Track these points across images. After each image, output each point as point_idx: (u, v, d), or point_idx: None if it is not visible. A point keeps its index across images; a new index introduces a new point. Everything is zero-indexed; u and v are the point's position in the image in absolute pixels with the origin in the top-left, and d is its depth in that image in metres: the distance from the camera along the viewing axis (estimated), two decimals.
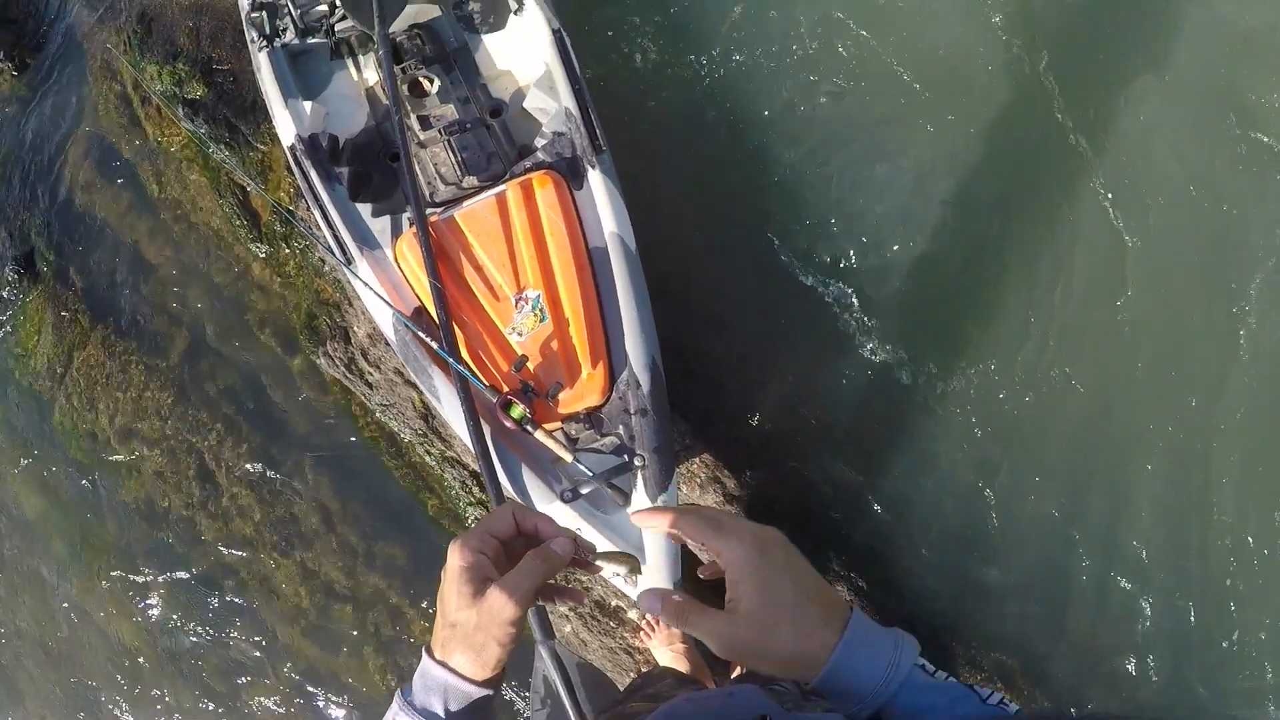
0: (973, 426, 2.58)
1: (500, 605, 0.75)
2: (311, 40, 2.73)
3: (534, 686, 2.21)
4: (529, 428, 2.00)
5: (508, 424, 2.00)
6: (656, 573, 1.96)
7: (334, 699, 2.86)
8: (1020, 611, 2.51)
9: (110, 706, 3.21)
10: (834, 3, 3.08)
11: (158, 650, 3.12)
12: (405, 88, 2.55)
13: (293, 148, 2.49)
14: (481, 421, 2.04)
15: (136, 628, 3.15)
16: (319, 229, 2.48)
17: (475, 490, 2.62)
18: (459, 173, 2.37)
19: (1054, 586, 2.50)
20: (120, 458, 3.21)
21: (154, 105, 3.42)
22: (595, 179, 2.25)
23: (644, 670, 2.39)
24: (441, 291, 2.13)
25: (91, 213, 3.51)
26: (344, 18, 2.68)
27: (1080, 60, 2.93)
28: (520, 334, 2.12)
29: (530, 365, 2.09)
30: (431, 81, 2.56)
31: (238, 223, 3.12)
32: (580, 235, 2.19)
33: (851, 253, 2.76)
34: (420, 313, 2.22)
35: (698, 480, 2.45)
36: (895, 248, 2.76)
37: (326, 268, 2.93)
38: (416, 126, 2.47)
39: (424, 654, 0.80)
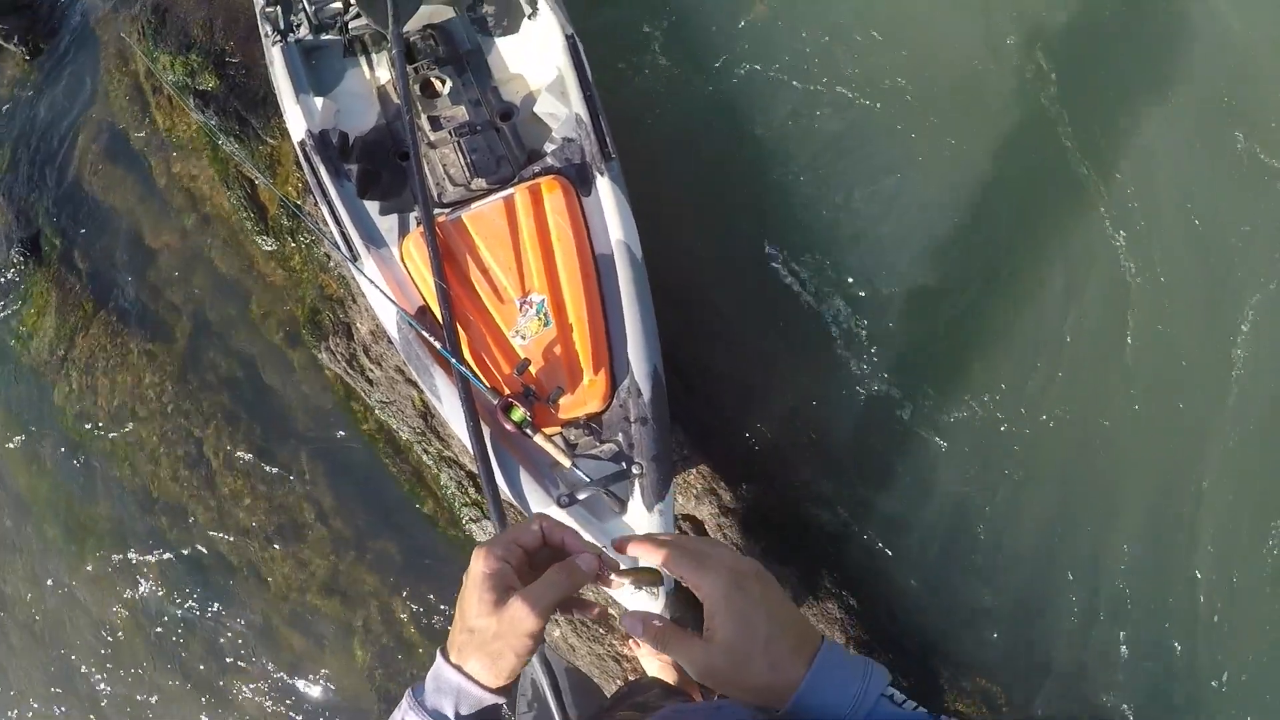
0: (968, 452, 2.60)
1: (522, 616, 0.75)
2: (325, 37, 2.74)
3: (521, 689, 2.21)
4: (529, 431, 2.00)
5: (508, 426, 2.01)
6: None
7: (318, 691, 2.86)
8: (1007, 637, 2.52)
9: (93, 686, 3.20)
10: (842, 18, 3.11)
11: (143, 633, 3.12)
12: (417, 88, 2.56)
13: (303, 143, 2.50)
14: (481, 423, 2.05)
15: (123, 609, 3.15)
16: (326, 224, 2.49)
17: (471, 491, 2.63)
18: (468, 174, 2.38)
19: (1041, 615, 2.52)
20: (117, 441, 3.21)
21: (165, 95, 3.43)
22: (604, 186, 2.26)
23: (631, 678, 2.39)
24: (446, 291, 2.14)
25: (99, 198, 3.52)
26: (358, 15, 2.70)
27: (1088, 87, 2.95)
28: (524, 337, 2.13)
29: (532, 369, 2.09)
30: (443, 82, 2.57)
31: (245, 215, 3.13)
32: (587, 241, 2.20)
33: (854, 273, 2.78)
34: (424, 312, 2.23)
35: (694, 491, 2.45)
36: (898, 270, 2.78)
37: (331, 263, 2.94)
38: (427, 127, 2.48)
39: (439, 655, 0.81)
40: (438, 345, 2.08)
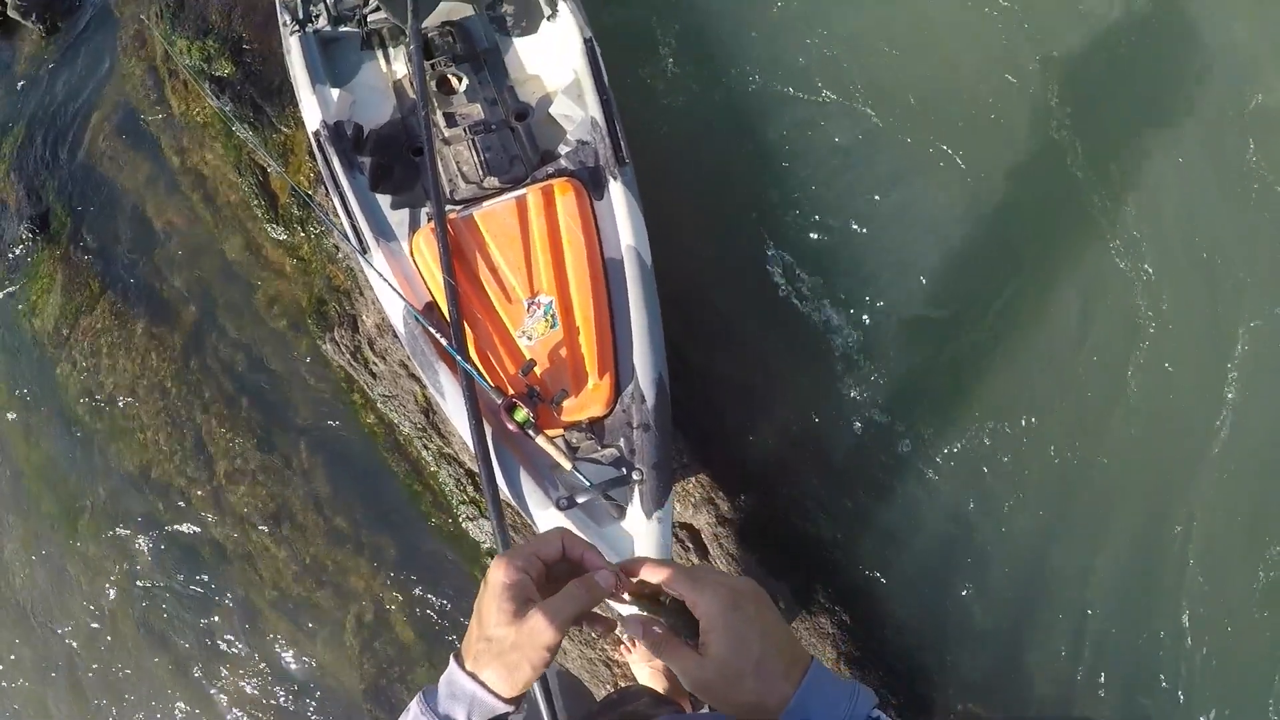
0: (964, 474, 2.61)
1: (541, 628, 0.76)
2: (343, 28, 2.74)
3: None
4: (531, 432, 2.00)
5: (510, 426, 2.01)
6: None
7: (304, 681, 2.86)
8: (996, 660, 2.52)
9: (76, 661, 3.19)
10: (856, 30, 3.12)
11: (131, 612, 3.11)
12: (434, 84, 2.56)
13: (317, 133, 2.50)
14: (484, 422, 2.05)
15: (113, 588, 3.15)
16: (336, 216, 2.49)
17: (469, 489, 2.63)
18: (481, 172, 2.38)
19: (1031, 639, 2.53)
20: (117, 420, 3.21)
21: (181, 79, 3.43)
22: (616, 191, 2.26)
23: (621, 684, 2.39)
24: (455, 289, 2.14)
25: (110, 179, 3.52)
26: (377, 9, 2.70)
27: (1100, 113, 2.96)
28: (530, 338, 2.13)
29: (537, 370, 2.09)
30: (460, 80, 2.58)
31: (255, 202, 3.13)
32: (597, 245, 2.20)
33: (858, 288, 2.79)
34: (431, 308, 2.23)
35: (692, 500, 2.45)
36: (901, 287, 2.79)
37: (340, 255, 2.94)
38: (442, 123, 2.48)
39: (452, 662, 0.81)
40: (444, 342, 2.08)
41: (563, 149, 2.38)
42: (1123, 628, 2.50)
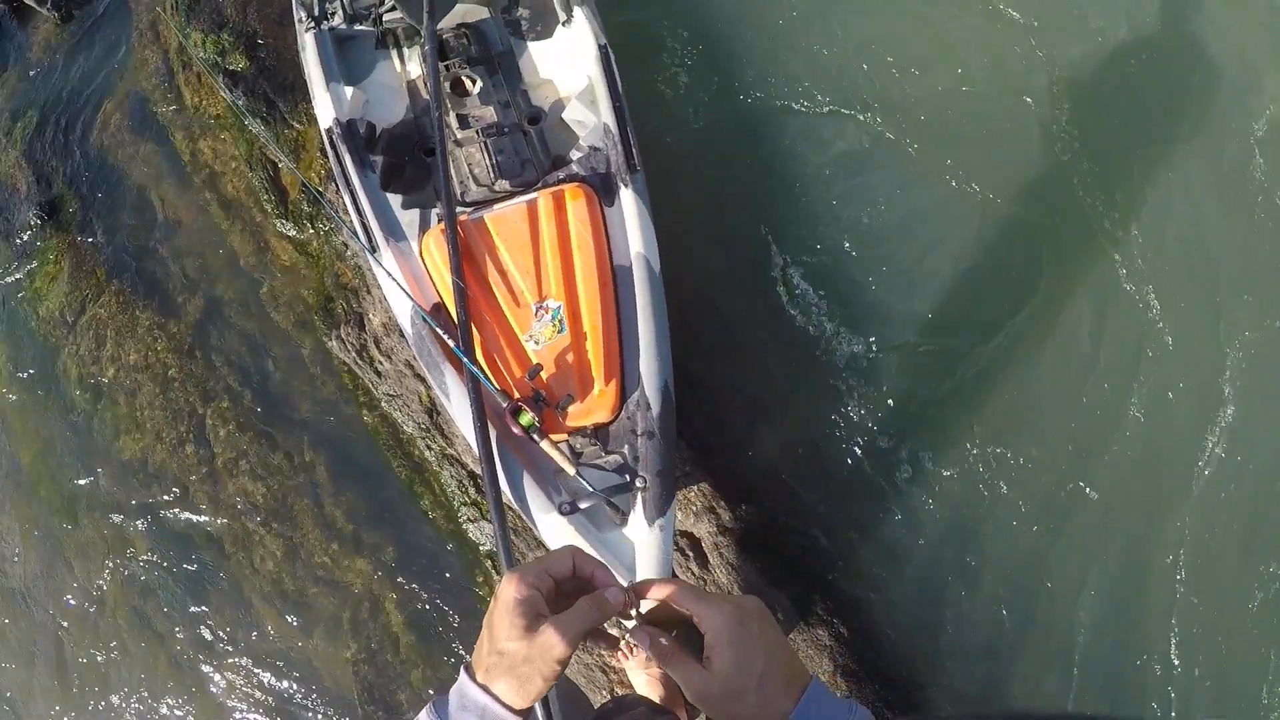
0: (963, 492, 2.61)
1: (553, 643, 0.78)
2: (358, 27, 2.75)
3: None
4: (535, 436, 2.00)
5: (515, 430, 2.01)
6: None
7: (298, 677, 2.85)
8: (992, 675, 2.52)
9: (66, 648, 3.19)
10: (867, 42, 3.13)
11: (125, 602, 3.11)
12: (447, 85, 2.57)
13: (330, 130, 2.50)
14: (488, 424, 2.05)
15: (108, 576, 3.15)
16: (347, 214, 2.49)
17: (471, 490, 2.63)
18: (492, 175, 2.39)
19: (1026, 656, 2.52)
20: (120, 410, 3.21)
21: (195, 72, 3.44)
22: (627, 198, 2.26)
23: (618, 691, 2.39)
24: (464, 290, 2.14)
25: (121, 169, 3.53)
26: (393, 8, 2.71)
27: (1109, 135, 2.98)
28: (537, 342, 2.13)
29: (544, 374, 2.10)
30: (474, 82, 2.58)
31: (265, 197, 3.14)
32: (607, 252, 2.20)
33: (865, 303, 2.79)
34: (439, 309, 2.23)
35: (693, 508, 2.45)
36: (908, 304, 2.79)
37: (349, 253, 2.94)
38: (455, 125, 2.49)
39: (463, 674, 0.82)
40: (451, 344, 2.08)
41: (574, 154, 2.39)
42: (1116, 646, 2.50)
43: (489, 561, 2.62)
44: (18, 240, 3.69)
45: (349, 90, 2.58)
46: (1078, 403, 2.68)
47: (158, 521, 3.09)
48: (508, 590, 0.81)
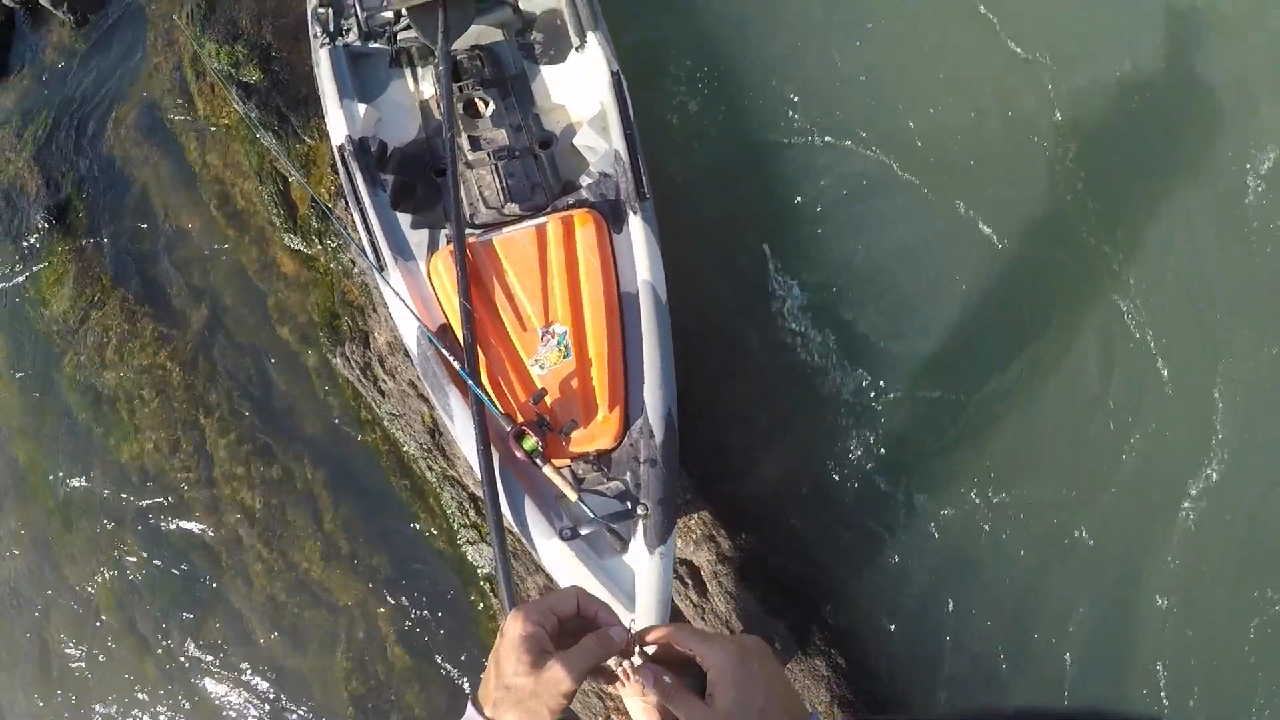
0: (960, 527, 2.62)
1: (559, 678, 0.80)
2: (373, 44, 2.77)
3: None
4: (538, 461, 2.00)
5: (518, 454, 2.01)
6: (648, 620, 1.96)
7: (291, 694, 2.84)
8: (987, 709, 2.52)
9: (53, 653, 3.17)
10: (877, 84, 3.16)
11: (117, 611, 3.10)
12: (460, 106, 2.58)
13: (342, 147, 2.52)
14: (491, 447, 2.05)
15: (100, 585, 3.13)
16: (356, 231, 2.50)
17: (471, 513, 2.62)
18: (502, 198, 2.40)
19: (1022, 689, 2.53)
20: (120, 418, 3.21)
21: (208, 82, 3.46)
22: (635, 225, 2.27)
23: (614, 719, 2.38)
24: (471, 313, 2.15)
25: (130, 175, 3.54)
26: (408, 27, 2.73)
27: (1113, 179, 2.99)
28: (542, 367, 2.14)
29: (548, 399, 2.10)
30: (486, 104, 2.60)
31: (274, 211, 3.15)
32: (614, 279, 2.22)
33: (868, 337, 2.81)
34: (446, 330, 2.24)
35: (693, 536, 2.45)
36: (910, 340, 2.81)
37: (356, 270, 2.95)
38: (466, 146, 2.50)
39: (470, 708, 0.84)
40: (456, 365, 2.09)
41: (584, 180, 2.40)
42: (1109, 677, 2.51)
43: (487, 584, 2.61)
44: (24, 241, 3.69)
45: (362, 107, 2.59)
46: (1074, 439, 2.70)
47: (152, 530, 3.08)
48: (514, 627, 0.83)
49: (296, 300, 3.06)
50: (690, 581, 2.42)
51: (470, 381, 2.04)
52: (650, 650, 0.91)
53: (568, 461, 2.11)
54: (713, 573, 2.43)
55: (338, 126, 2.57)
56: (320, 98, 2.72)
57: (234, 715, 2.87)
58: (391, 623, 2.75)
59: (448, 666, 2.66)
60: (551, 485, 2.04)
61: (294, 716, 2.80)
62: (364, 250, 2.42)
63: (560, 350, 2.14)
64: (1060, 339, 2.80)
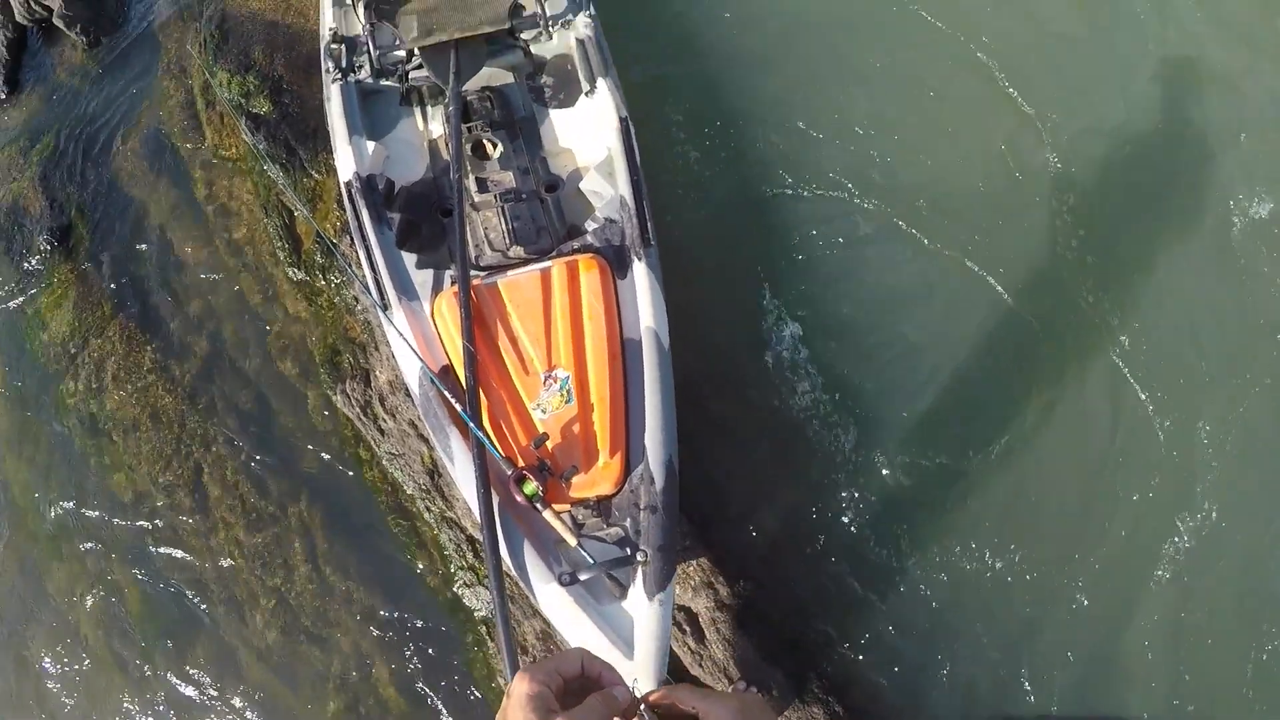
0: (957, 576, 2.62)
1: None
2: (384, 82, 2.80)
3: None
4: (539, 505, 2.00)
5: (518, 498, 2.01)
6: (646, 667, 1.95)
7: None
8: None
9: (41, 685, 3.11)
10: (878, 135, 3.22)
11: (106, 643, 3.05)
12: (469, 147, 2.61)
13: (349, 184, 2.53)
14: (492, 491, 2.05)
15: (90, 616, 3.09)
16: (360, 268, 2.51)
17: (469, 555, 2.61)
18: (507, 241, 2.42)
19: None
20: (116, 447, 3.18)
21: (218, 111, 3.49)
22: (639, 271, 2.29)
23: None
24: (474, 355, 2.15)
25: (135, 201, 3.55)
26: (419, 66, 2.77)
27: (1111, 232, 3.04)
28: (544, 411, 2.14)
29: (549, 444, 2.10)
30: (495, 146, 2.62)
31: (279, 244, 3.16)
32: (617, 324, 2.23)
33: (866, 389, 2.84)
34: (448, 372, 2.24)
35: (692, 583, 2.45)
36: (910, 393, 2.84)
37: (359, 307, 2.96)
38: (473, 188, 2.52)
39: None
40: (458, 408, 2.09)
41: (590, 225, 2.42)
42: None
43: (484, 627, 2.59)
44: (25, 264, 3.69)
45: (371, 145, 2.62)
46: (1067, 490, 2.72)
47: (143, 559, 3.04)
48: (520, 687, 0.85)
49: (298, 335, 3.06)
50: (688, 628, 2.41)
51: (472, 424, 2.04)
52: (654, 709, 0.93)
53: (568, 506, 2.11)
54: (711, 620, 2.41)
55: (346, 162, 2.59)
56: (329, 133, 2.74)
57: None
58: (385, 663, 2.72)
59: (442, 710, 2.63)
60: (551, 530, 2.04)
61: None
62: (368, 288, 2.43)
63: (562, 395, 2.15)
64: (1054, 389, 2.83)
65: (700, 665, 2.38)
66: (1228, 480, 2.68)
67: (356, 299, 2.96)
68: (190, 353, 3.17)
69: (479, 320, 2.24)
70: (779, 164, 3.21)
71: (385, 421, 2.74)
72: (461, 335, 2.16)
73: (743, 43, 3.50)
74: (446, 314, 2.27)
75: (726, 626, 2.40)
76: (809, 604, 2.56)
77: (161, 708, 2.92)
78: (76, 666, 3.07)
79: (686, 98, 3.37)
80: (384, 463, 2.79)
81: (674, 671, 2.06)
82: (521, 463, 2.07)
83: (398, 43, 2.77)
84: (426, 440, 2.68)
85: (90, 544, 3.14)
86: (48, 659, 3.12)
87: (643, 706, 0.93)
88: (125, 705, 2.96)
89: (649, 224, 2.35)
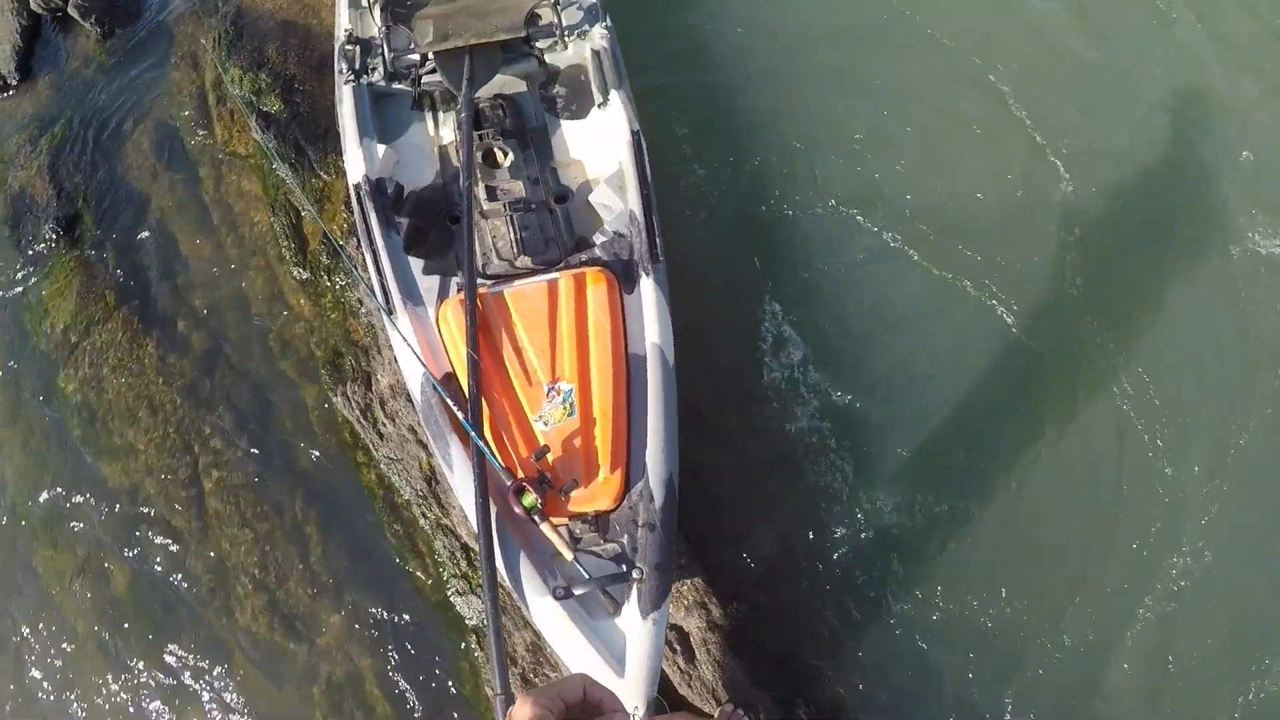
0: (951, 612, 2.61)
1: None
2: (397, 85, 2.80)
3: None
4: (536, 518, 2.00)
5: (516, 509, 2.00)
6: (637, 686, 1.94)
7: None
8: None
9: (28, 673, 3.08)
10: (886, 156, 3.23)
11: (95, 635, 3.03)
12: (480, 155, 2.61)
13: (358, 186, 2.53)
14: (490, 501, 2.04)
15: (81, 607, 3.07)
16: (366, 271, 2.51)
17: (463, 563, 2.59)
18: (515, 250, 2.41)
19: None
20: (114, 440, 3.17)
21: (228, 108, 3.49)
22: (647, 287, 2.29)
23: None
24: (478, 364, 2.15)
25: (142, 194, 3.54)
26: (433, 71, 2.77)
27: (1116, 260, 3.05)
28: (546, 423, 2.13)
29: (550, 456, 2.09)
30: (506, 154, 2.62)
31: (285, 243, 3.16)
32: (623, 339, 2.23)
33: (870, 413, 2.83)
34: (451, 379, 2.24)
35: (685, 602, 2.44)
36: (912, 420, 2.84)
37: (363, 310, 2.95)
38: (483, 196, 2.52)
39: None
40: (460, 416, 2.09)
41: (598, 238, 2.42)
42: None
43: (474, 636, 2.58)
44: (29, 251, 3.67)
45: (381, 148, 2.62)
46: (1064, 527, 2.71)
47: (135, 551, 3.02)
48: (523, 712, 0.85)
49: (301, 335, 3.05)
50: (679, 647, 2.40)
51: (473, 433, 2.03)
52: None
53: (566, 520, 2.10)
54: (702, 640, 2.40)
55: (355, 165, 2.59)
56: (340, 134, 2.74)
57: None
58: (372, 666, 2.70)
59: (425, 716, 2.60)
60: (548, 543, 2.03)
61: None
62: (373, 291, 2.42)
63: (565, 408, 2.14)
64: (1054, 421, 2.83)
65: (689, 685, 2.37)
66: (1222, 518, 2.67)
67: (361, 301, 2.96)
68: (191, 347, 3.16)
69: (484, 329, 2.24)
70: (786, 181, 3.21)
71: (385, 425, 2.73)
72: (466, 343, 2.16)
73: (752, 56, 3.51)
74: (452, 321, 2.27)
75: (717, 648, 2.39)
76: (801, 630, 2.55)
77: (144, 696, 2.89)
78: (61, 652, 3.05)
79: (693, 110, 3.37)
80: (382, 466, 2.78)
81: (662, 690, 2.05)
82: (521, 474, 2.07)
83: (412, 46, 2.77)
84: (426, 446, 2.67)
85: (81, 531, 3.12)
86: (32, 640, 3.09)
87: None
88: (106, 690, 2.93)
89: (658, 239, 2.35)
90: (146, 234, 3.45)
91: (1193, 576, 2.60)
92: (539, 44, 2.79)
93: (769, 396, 2.83)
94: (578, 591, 1.99)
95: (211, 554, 2.92)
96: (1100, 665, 2.55)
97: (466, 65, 2.69)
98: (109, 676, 2.96)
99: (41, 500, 3.24)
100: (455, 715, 2.62)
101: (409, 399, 2.61)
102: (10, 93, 4.09)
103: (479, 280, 2.33)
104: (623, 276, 2.32)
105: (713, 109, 3.39)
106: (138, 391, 3.15)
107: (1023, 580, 2.62)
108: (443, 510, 2.63)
